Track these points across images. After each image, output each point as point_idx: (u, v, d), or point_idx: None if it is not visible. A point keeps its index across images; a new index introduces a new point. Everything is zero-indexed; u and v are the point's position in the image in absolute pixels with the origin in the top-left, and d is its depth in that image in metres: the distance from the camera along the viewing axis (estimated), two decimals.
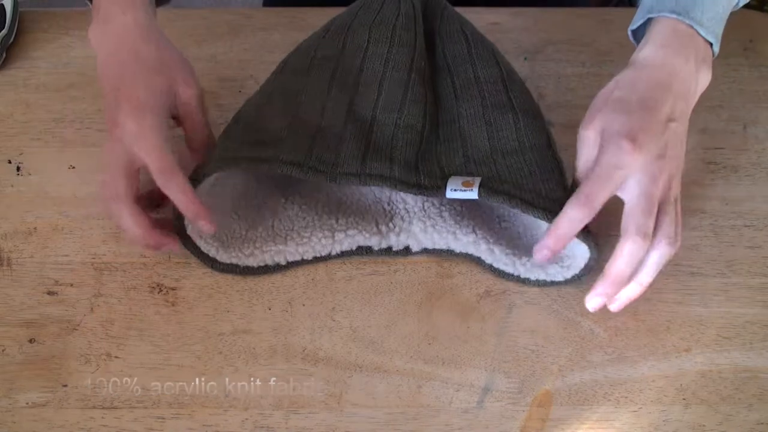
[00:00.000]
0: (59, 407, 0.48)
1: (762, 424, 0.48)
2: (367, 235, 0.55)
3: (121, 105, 0.50)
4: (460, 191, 0.50)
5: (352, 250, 0.55)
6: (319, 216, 0.56)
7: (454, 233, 0.54)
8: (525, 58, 0.69)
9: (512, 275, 0.54)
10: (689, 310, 0.53)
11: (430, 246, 0.55)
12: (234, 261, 0.53)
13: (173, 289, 0.54)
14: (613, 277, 0.49)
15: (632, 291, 0.50)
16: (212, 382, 0.49)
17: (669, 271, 0.55)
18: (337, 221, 0.55)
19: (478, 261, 0.55)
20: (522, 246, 0.55)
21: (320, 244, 0.54)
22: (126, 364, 0.50)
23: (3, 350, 0.50)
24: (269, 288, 0.54)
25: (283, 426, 0.48)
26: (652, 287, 0.54)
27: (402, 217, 0.56)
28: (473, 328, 0.52)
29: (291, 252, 0.54)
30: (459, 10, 0.72)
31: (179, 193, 0.49)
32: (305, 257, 0.54)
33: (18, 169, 0.60)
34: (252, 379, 0.50)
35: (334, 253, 0.55)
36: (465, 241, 0.54)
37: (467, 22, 0.61)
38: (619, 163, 0.48)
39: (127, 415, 0.48)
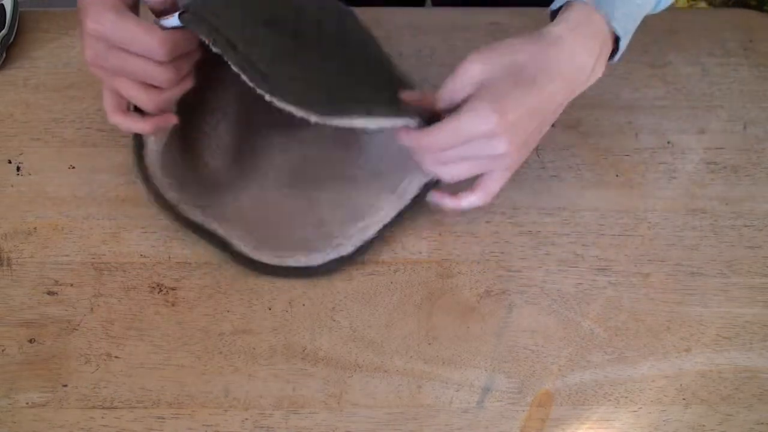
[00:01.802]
0: (59, 407, 0.48)
1: (762, 424, 0.48)
2: None
3: (86, 11, 0.47)
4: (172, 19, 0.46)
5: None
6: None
7: None
8: None
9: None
10: (689, 310, 0.53)
11: None
12: (340, 254, 0.54)
13: (173, 289, 0.54)
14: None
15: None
16: (212, 382, 0.49)
17: (669, 270, 0.55)
18: None
19: None
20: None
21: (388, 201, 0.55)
22: (126, 364, 0.50)
23: (3, 350, 0.50)
24: (269, 288, 0.54)
25: (283, 426, 0.48)
26: (652, 287, 0.54)
27: None
28: (473, 328, 0.52)
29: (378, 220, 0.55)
30: (460, 10, 0.72)
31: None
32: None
33: (18, 169, 0.60)
34: (252, 379, 0.50)
35: None
36: None
37: None
38: (476, 129, 0.48)
39: (127, 415, 0.48)
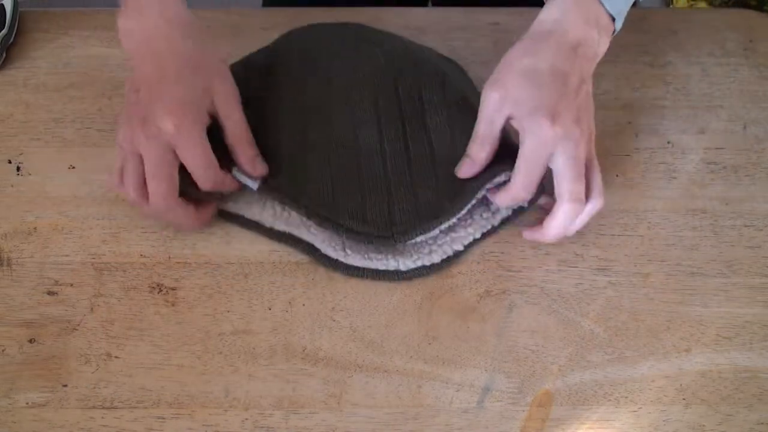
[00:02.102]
0: (59, 407, 0.48)
1: (762, 424, 0.48)
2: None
3: (158, 101, 0.50)
4: (244, 176, 0.54)
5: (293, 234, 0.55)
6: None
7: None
8: None
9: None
10: (689, 310, 0.53)
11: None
12: (424, 263, 0.54)
13: (173, 289, 0.54)
14: (550, 237, 0.54)
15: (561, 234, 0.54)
16: (212, 382, 0.49)
17: (669, 270, 0.55)
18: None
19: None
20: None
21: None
22: (126, 364, 0.50)
23: (3, 350, 0.50)
24: (269, 288, 0.54)
25: (283, 426, 0.48)
26: (653, 287, 0.54)
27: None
28: (473, 328, 0.52)
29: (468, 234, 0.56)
30: (460, 10, 0.72)
31: (223, 188, 0.53)
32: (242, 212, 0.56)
33: (18, 169, 0.60)
34: (252, 379, 0.50)
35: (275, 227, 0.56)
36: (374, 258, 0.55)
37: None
38: (543, 142, 0.50)
39: (127, 415, 0.48)
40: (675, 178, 0.61)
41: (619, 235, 0.57)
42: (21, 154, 0.61)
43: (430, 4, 0.92)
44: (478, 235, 0.56)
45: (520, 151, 0.51)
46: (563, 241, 0.56)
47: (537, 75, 0.52)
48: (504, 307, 0.53)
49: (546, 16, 0.54)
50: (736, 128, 0.64)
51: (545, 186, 0.53)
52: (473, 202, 0.54)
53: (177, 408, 0.48)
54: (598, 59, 0.55)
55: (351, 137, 0.57)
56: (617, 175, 0.60)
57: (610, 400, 0.49)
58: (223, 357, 0.50)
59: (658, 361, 0.51)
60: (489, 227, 0.56)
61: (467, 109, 0.58)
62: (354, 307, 0.53)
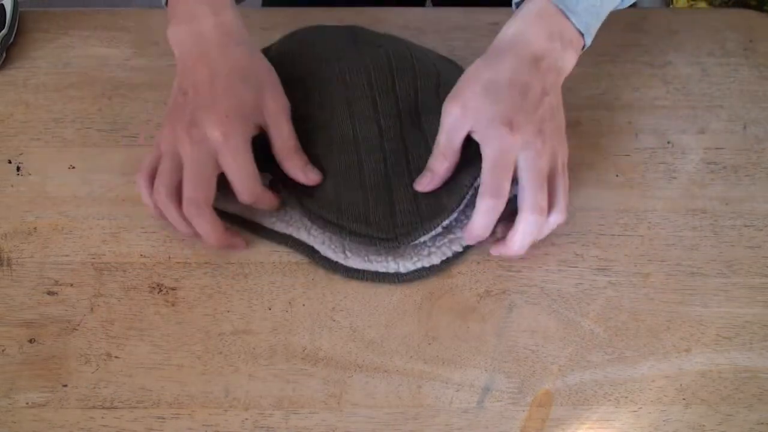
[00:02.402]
0: (59, 407, 0.48)
1: (762, 424, 0.48)
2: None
3: (207, 108, 0.51)
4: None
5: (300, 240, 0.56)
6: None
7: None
8: None
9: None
10: (689, 310, 0.53)
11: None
12: (423, 265, 0.54)
13: (173, 289, 0.54)
14: (514, 250, 0.53)
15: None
16: (212, 382, 0.49)
17: (669, 270, 0.55)
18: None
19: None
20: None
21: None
22: (126, 364, 0.50)
23: (3, 350, 0.50)
24: (269, 288, 0.54)
25: (283, 426, 0.48)
26: (653, 287, 0.54)
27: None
28: (473, 328, 0.52)
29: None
30: (460, 10, 0.72)
31: (262, 204, 0.54)
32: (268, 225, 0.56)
33: (18, 169, 0.60)
34: (252, 379, 0.50)
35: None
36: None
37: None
38: (504, 148, 0.50)
39: (127, 415, 0.48)
40: (675, 178, 0.61)
41: (619, 235, 0.57)
42: (21, 154, 0.61)
43: (429, 4, 0.92)
44: None
45: (483, 164, 0.51)
46: (563, 241, 0.56)
47: (496, 87, 0.51)
48: (504, 307, 0.53)
49: (508, 29, 0.54)
50: (736, 128, 0.64)
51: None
52: (468, 196, 0.54)
53: (177, 408, 0.48)
54: (565, 73, 0.54)
55: (351, 136, 0.57)
56: (617, 175, 0.60)
57: (610, 400, 0.49)
58: (223, 357, 0.50)
59: (658, 361, 0.51)
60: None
61: None
62: (354, 307, 0.53)
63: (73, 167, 0.60)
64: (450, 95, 0.53)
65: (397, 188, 0.55)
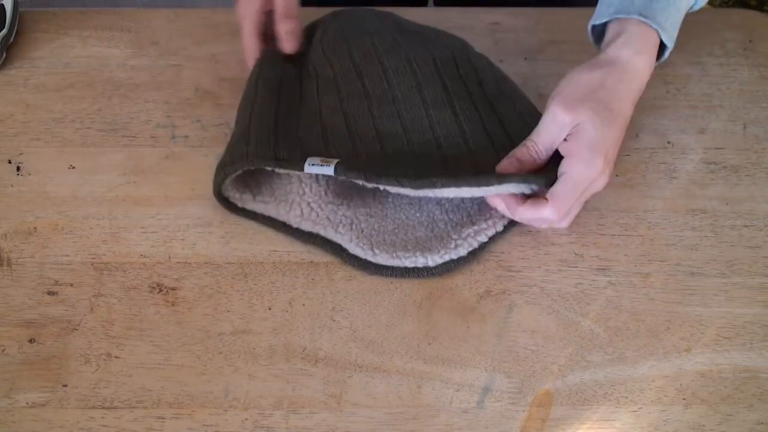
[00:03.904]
0: (59, 407, 0.48)
1: (762, 424, 0.48)
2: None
3: None
4: (317, 166, 0.53)
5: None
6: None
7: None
8: (525, 58, 0.69)
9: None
10: (689, 310, 0.53)
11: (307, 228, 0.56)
12: (451, 257, 0.55)
13: (173, 289, 0.54)
14: (515, 216, 0.54)
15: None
16: (212, 382, 0.49)
17: (669, 270, 0.55)
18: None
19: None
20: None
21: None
22: (126, 364, 0.50)
23: (3, 350, 0.50)
24: (269, 288, 0.54)
25: (283, 426, 0.48)
26: (653, 287, 0.54)
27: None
28: (473, 328, 0.52)
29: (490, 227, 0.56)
30: (460, 10, 0.72)
31: (289, 34, 0.63)
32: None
33: (18, 169, 0.60)
34: (252, 379, 0.50)
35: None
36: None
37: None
38: (591, 177, 0.52)
39: (127, 415, 0.48)
40: (675, 178, 0.61)
41: (619, 235, 0.57)
42: (21, 154, 0.61)
43: (430, 3, 0.93)
44: (500, 228, 0.56)
45: (565, 176, 0.52)
46: (563, 241, 0.56)
47: (609, 112, 0.53)
48: (504, 307, 0.53)
49: (624, 51, 0.55)
50: (736, 128, 0.64)
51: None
52: (510, 188, 0.53)
53: (177, 408, 0.48)
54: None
55: (423, 127, 0.58)
56: (617, 175, 0.60)
57: (610, 400, 0.49)
58: (223, 357, 0.50)
59: (658, 361, 0.51)
60: (510, 219, 0.56)
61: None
62: (354, 307, 0.53)
63: (73, 167, 0.60)
64: (561, 99, 0.53)
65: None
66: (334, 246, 0.55)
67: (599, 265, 0.56)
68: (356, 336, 0.52)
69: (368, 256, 0.54)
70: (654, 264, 0.56)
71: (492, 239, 0.56)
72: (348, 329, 0.52)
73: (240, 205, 0.57)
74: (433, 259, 0.54)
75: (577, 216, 0.57)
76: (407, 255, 0.54)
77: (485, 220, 0.56)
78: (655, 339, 0.52)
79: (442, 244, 0.55)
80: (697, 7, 0.59)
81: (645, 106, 0.65)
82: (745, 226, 0.58)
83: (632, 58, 0.54)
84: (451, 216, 0.57)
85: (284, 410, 0.48)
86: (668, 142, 0.63)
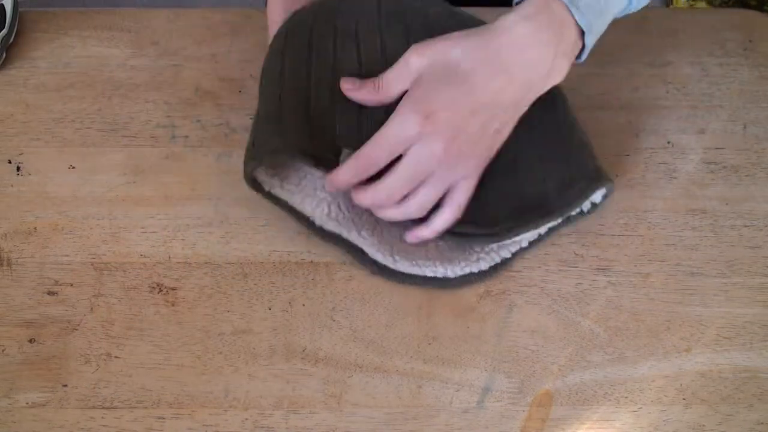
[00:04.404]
0: (59, 407, 0.48)
1: (762, 424, 0.48)
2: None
3: None
4: None
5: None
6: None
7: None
8: None
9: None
10: (689, 310, 0.53)
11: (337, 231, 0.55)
12: (472, 270, 0.54)
13: (173, 289, 0.54)
14: (358, 199, 0.51)
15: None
16: (212, 382, 0.49)
17: (669, 270, 0.55)
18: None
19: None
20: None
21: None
22: (126, 364, 0.50)
23: (3, 350, 0.50)
24: (269, 288, 0.54)
25: (283, 426, 0.48)
26: (653, 287, 0.54)
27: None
28: (473, 328, 0.52)
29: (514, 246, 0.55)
30: (461, 10, 0.71)
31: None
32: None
33: (18, 169, 0.60)
34: (252, 379, 0.50)
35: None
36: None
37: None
38: (401, 135, 0.47)
39: (127, 415, 0.48)
40: (675, 178, 0.61)
41: (619, 235, 0.57)
42: (21, 154, 0.61)
43: None
44: (525, 244, 0.55)
45: (386, 125, 0.48)
46: (563, 241, 0.56)
47: (456, 71, 0.48)
48: (504, 307, 0.53)
49: (508, 16, 0.49)
50: (736, 128, 0.64)
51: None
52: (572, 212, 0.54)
53: (177, 408, 0.48)
54: (544, 88, 0.51)
55: None
56: (617, 175, 0.60)
57: (610, 400, 0.49)
58: (223, 357, 0.50)
59: (658, 361, 0.51)
60: (536, 236, 0.55)
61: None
62: (354, 307, 0.53)
63: (73, 167, 0.60)
64: (420, 45, 0.49)
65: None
66: (355, 249, 0.54)
67: (599, 265, 0.56)
68: (356, 336, 0.52)
69: (388, 262, 0.54)
70: (654, 264, 0.56)
71: (515, 255, 0.55)
72: (348, 329, 0.52)
73: (267, 188, 0.55)
74: (454, 271, 0.54)
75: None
76: (428, 264, 0.54)
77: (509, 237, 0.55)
78: (655, 339, 0.52)
79: (464, 256, 0.54)
80: (633, 8, 0.54)
81: (645, 106, 0.65)
82: (745, 226, 0.58)
83: (515, 24, 0.48)
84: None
85: (284, 410, 0.48)
86: (668, 142, 0.63)
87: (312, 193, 0.55)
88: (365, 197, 0.50)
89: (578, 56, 0.53)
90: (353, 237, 0.54)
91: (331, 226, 0.55)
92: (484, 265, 0.54)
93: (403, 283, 0.54)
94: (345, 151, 0.52)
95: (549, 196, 0.54)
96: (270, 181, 0.55)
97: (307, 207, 0.55)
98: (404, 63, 0.50)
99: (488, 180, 0.53)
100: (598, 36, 0.52)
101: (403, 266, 0.54)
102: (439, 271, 0.54)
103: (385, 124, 0.48)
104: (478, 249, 0.54)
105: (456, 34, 0.50)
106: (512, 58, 0.48)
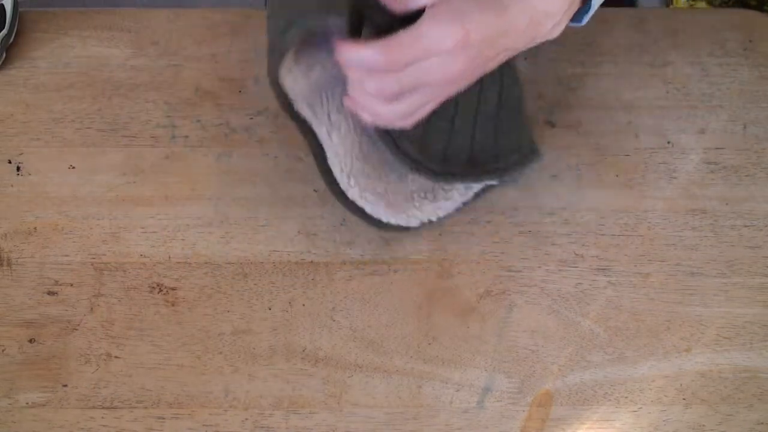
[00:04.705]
0: (59, 407, 0.48)
1: (762, 424, 0.48)
2: None
3: None
4: None
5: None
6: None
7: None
8: (525, 58, 0.69)
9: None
10: (689, 310, 0.53)
11: None
12: (401, 222, 0.54)
13: (173, 289, 0.54)
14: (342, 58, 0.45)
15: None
16: (212, 382, 0.49)
17: (669, 270, 0.55)
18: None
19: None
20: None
21: (459, 192, 0.56)
22: (126, 364, 0.50)
23: (3, 350, 0.50)
24: (269, 288, 0.54)
25: (283, 426, 0.48)
26: (653, 287, 0.54)
27: None
28: (473, 328, 0.52)
29: (447, 207, 0.55)
30: None
31: None
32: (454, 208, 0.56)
33: (18, 169, 0.60)
34: (252, 379, 0.50)
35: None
36: None
37: None
38: (433, 41, 0.43)
39: (127, 415, 0.48)
40: (675, 178, 0.61)
41: (619, 235, 0.57)
42: (21, 154, 0.61)
43: None
44: (457, 204, 0.56)
45: (410, 28, 0.43)
46: (563, 241, 0.56)
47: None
48: (504, 307, 0.53)
49: None
50: (736, 128, 0.64)
51: None
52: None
53: (177, 408, 0.48)
54: (544, 38, 0.49)
55: None
56: (617, 175, 0.60)
57: (610, 400, 0.49)
58: (223, 357, 0.50)
59: (658, 361, 0.51)
60: (468, 196, 0.56)
61: None
62: (354, 307, 0.53)
63: (73, 167, 0.60)
64: None
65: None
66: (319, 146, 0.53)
67: (599, 265, 0.56)
68: (356, 336, 0.52)
69: (343, 181, 0.53)
70: (654, 264, 0.56)
71: (443, 219, 0.55)
72: (348, 329, 0.52)
73: (294, 103, 0.52)
74: (387, 216, 0.54)
75: (577, 215, 0.57)
76: (371, 199, 0.54)
77: (447, 200, 0.56)
78: (655, 339, 0.52)
79: (403, 207, 0.55)
80: None
81: (645, 106, 0.65)
82: (745, 226, 0.58)
83: None
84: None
85: (284, 410, 0.48)
86: (668, 142, 0.63)
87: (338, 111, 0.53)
88: (371, 83, 0.45)
89: (579, 19, 0.51)
90: (323, 133, 0.53)
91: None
92: (414, 222, 0.54)
93: (346, 208, 0.53)
94: (366, 28, 0.47)
95: (499, 156, 0.54)
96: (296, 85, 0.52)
97: (324, 131, 0.53)
98: None
99: (445, 117, 0.53)
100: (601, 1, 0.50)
101: (354, 192, 0.53)
102: (377, 210, 0.53)
103: (423, 27, 0.43)
104: (417, 202, 0.55)
105: None
106: (540, 2, 0.46)
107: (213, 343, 0.51)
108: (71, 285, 0.53)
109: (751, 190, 0.60)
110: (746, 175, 0.61)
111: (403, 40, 0.44)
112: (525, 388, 0.50)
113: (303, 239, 0.56)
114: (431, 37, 0.44)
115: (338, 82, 0.52)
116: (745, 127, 0.64)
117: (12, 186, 0.59)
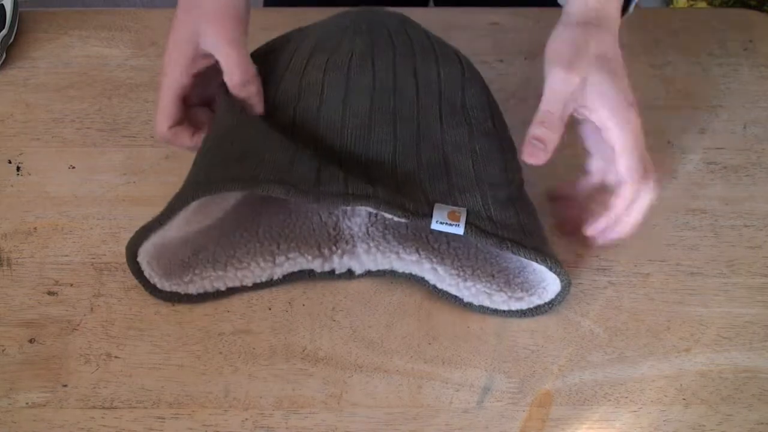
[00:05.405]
0: (59, 407, 0.48)
1: (762, 424, 0.48)
2: (310, 258, 0.53)
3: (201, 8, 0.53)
4: (446, 224, 0.48)
5: (293, 272, 0.54)
6: (261, 242, 0.54)
7: (398, 253, 0.53)
8: (525, 58, 0.69)
9: (456, 297, 0.53)
10: (689, 310, 0.53)
11: (373, 268, 0.54)
12: (174, 289, 0.52)
13: None
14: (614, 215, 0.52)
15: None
16: (212, 382, 0.49)
17: (669, 270, 0.55)
18: (278, 246, 0.54)
19: (422, 281, 0.54)
20: (469, 268, 0.53)
21: (260, 268, 0.53)
22: (126, 364, 0.50)
23: (3, 350, 0.50)
24: (269, 288, 0.54)
25: (283, 426, 0.48)
26: (653, 287, 0.54)
27: (346, 241, 0.55)
28: (473, 328, 0.52)
29: (230, 278, 0.53)
30: (460, 10, 0.72)
31: (255, 96, 0.54)
32: (245, 283, 0.53)
33: (18, 169, 0.60)
34: (252, 379, 0.50)
35: (275, 277, 0.53)
36: (408, 260, 0.53)
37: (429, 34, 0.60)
38: (636, 123, 0.50)
39: (127, 415, 0.48)
40: (675, 178, 0.61)
41: None
42: (21, 154, 0.61)
43: (430, 4, 0.93)
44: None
45: (618, 129, 0.50)
46: (563, 241, 0.56)
47: (608, 63, 0.50)
48: None
49: (598, 11, 0.52)
50: (736, 128, 0.64)
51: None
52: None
53: (177, 408, 0.48)
54: None
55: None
56: None
57: (610, 400, 0.49)
58: (223, 357, 0.50)
59: (658, 361, 0.51)
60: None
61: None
62: (354, 307, 0.53)
63: (73, 167, 0.60)
64: (557, 61, 0.50)
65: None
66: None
67: (599, 265, 0.56)
68: (356, 336, 0.52)
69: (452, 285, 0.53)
70: (654, 264, 0.56)
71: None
72: (348, 329, 0.52)
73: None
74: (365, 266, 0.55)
75: (577, 215, 0.56)
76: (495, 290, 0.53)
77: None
78: (655, 339, 0.52)
79: (527, 288, 0.53)
80: None
81: (645, 106, 0.64)
82: (745, 226, 0.58)
83: (603, 6, 0.51)
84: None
85: (284, 410, 0.48)
86: (668, 142, 0.63)
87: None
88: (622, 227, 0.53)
89: (624, 12, 0.54)
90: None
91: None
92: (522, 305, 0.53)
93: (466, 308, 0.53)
94: (438, 205, 0.49)
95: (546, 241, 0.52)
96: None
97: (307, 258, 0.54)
98: (558, 80, 0.50)
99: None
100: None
101: (469, 293, 0.53)
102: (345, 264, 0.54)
103: (617, 120, 0.50)
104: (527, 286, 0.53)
105: (573, 33, 0.51)
106: (615, 32, 0.52)
107: (213, 343, 0.51)
108: (71, 285, 0.53)
109: (751, 190, 0.60)
110: (746, 175, 0.61)
111: (628, 141, 0.50)
112: (525, 388, 0.50)
113: None
114: (631, 124, 0.50)
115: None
116: (745, 127, 0.64)
117: (12, 186, 0.59)
